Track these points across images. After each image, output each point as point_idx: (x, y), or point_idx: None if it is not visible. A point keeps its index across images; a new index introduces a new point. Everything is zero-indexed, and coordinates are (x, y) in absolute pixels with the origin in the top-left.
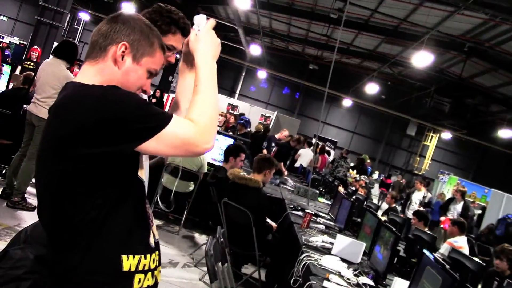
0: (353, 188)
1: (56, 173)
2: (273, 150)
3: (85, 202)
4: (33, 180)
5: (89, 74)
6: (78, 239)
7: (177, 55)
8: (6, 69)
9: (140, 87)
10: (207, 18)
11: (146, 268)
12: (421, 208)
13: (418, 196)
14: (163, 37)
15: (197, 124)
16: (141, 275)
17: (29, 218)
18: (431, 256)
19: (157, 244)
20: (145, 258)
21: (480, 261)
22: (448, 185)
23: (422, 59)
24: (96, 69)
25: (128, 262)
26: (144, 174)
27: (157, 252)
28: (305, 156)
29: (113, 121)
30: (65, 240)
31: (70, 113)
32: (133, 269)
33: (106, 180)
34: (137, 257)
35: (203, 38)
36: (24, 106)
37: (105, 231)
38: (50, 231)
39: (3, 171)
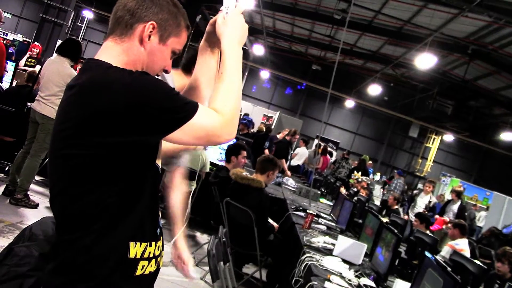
0: (355, 189)
1: (74, 158)
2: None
3: (101, 189)
4: (36, 178)
5: (114, 53)
6: (91, 223)
7: None
8: (10, 66)
9: (164, 67)
10: (237, 1)
11: (151, 255)
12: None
13: (424, 200)
14: None
15: (222, 115)
16: (145, 262)
17: (32, 215)
18: (432, 258)
19: (161, 230)
20: (151, 245)
21: (481, 264)
22: (449, 188)
23: (425, 61)
24: (121, 48)
25: (135, 250)
26: (159, 160)
27: (161, 238)
28: (301, 155)
29: (141, 111)
30: (78, 224)
31: (97, 97)
32: (138, 256)
33: (125, 167)
34: (144, 244)
35: (232, 22)
36: (28, 104)
37: (118, 218)
38: (62, 218)
39: (6, 168)
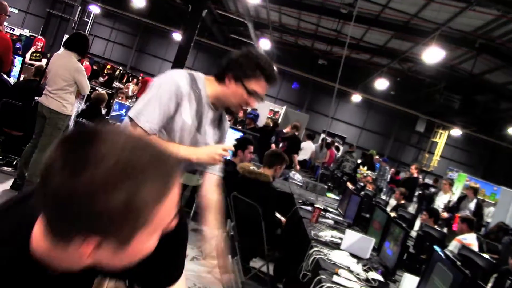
0: (362, 184)
1: None
2: (281, 145)
3: None
4: None
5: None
6: None
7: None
8: (17, 61)
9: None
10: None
11: None
12: (445, 214)
13: (443, 199)
14: (246, 81)
15: None
16: None
17: None
18: (441, 253)
19: None
20: None
21: (490, 258)
22: (457, 183)
23: (432, 55)
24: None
25: None
26: None
27: None
28: (307, 149)
29: None
30: None
31: None
32: None
33: None
34: None
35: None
36: (36, 98)
37: None
38: None
39: (14, 163)
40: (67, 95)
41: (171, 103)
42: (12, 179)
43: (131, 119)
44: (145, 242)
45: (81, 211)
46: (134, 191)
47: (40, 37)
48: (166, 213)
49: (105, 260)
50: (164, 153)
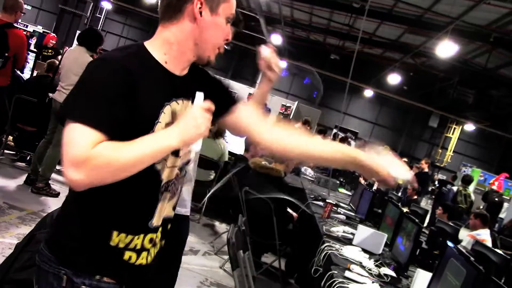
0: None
1: None
2: None
3: None
4: (57, 167)
5: (160, 35)
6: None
7: None
8: (30, 57)
9: (225, 38)
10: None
11: (138, 247)
12: None
13: None
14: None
15: (94, 157)
16: (132, 253)
17: (53, 204)
18: (455, 248)
19: (165, 222)
20: (138, 238)
21: (504, 254)
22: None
23: (446, 49)
24: (169, 30)
25: (117, 238)
26: (166, 163)
27: (157, 234)
28: None
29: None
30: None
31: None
32: (121, 245)
33: None
34: (130, 236)
35: (188, 115)
36: (50, 94)
37: (102, 203)
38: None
39: (28, 158)
40: None
41: None
42: (26, 174)
43: None
44: (218, 22)
45: None
46: None
47: (52, 34)
48: (231, 5)
49: (200, 31)
50: None
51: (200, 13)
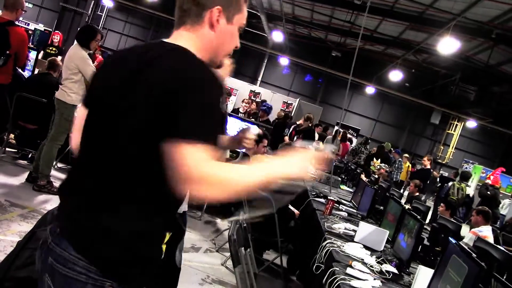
0: (376, 176)
1: (141, 132)
2: (295, 138)
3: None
4: (59, 165)
5: (190, 40)
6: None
7: None
8: (32, 55)
9: (235, 45)
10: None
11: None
12: None
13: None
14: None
15: (215, 175)
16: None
17: (54, 201)
18: (457, 245)
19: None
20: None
21: (506, 251)
22: (473, 174)
23: (448, 46)
24: (195, 35)
25: (167, 239)
26: None
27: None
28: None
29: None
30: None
31: (179, 81)
32: (164, 245)
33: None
34: (168, 234)
35: (301, 157)
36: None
37: (162, 207)
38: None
39: (29, 156)
40: (71, 84)
41: None
42: (27, 172)
43: None
44: (233, 30)
45: None
46: None
47: (57, 31)
48: (243, 16)
49: (217, 38)
50: None
51: (218, 21)
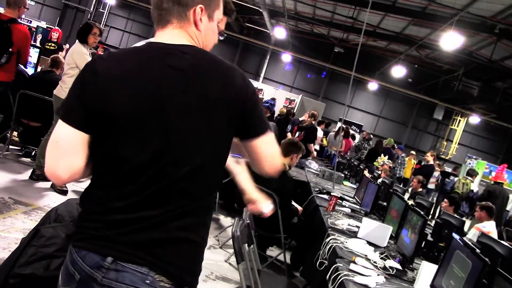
0: (379, 172)
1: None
2: (297, 135)
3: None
4: None
5: (188, 39)
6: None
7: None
8: (34, 52)
9: (215, 41)
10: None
11: None
12: None
13: None
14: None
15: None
16: None
17: (58, 199)
18: (460, 240)
19: None
20: None
21: (510, 246)
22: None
23: (450, 41)
24: (187, 34)
25: None
26: None
27: None
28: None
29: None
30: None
31: (236, 80)
32: None
33: None
34: None
35: None
36: None
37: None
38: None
39: (33, 153)
40: (67, 79)
41: None
42: (31, 170)
43: None
44: (213, 27)
45: None
46: None
47: (56, 27)
48: (221, 10)
49: (204, 35)
50: None
51: (201, 20)
